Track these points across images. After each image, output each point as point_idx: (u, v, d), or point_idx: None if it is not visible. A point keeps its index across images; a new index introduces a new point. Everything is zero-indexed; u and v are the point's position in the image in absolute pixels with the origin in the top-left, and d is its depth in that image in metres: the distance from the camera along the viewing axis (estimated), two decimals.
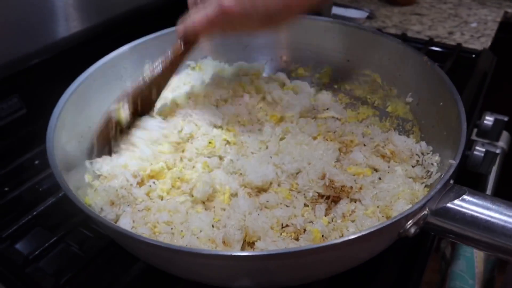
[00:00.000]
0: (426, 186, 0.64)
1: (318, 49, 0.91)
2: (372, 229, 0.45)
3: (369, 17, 1.37)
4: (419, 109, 0.76)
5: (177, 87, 0.86)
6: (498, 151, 0.92)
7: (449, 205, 0.49)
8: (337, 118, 0.82)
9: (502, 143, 1.02)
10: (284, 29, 0.65)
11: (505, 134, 1.03)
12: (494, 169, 1.01)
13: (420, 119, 0.75)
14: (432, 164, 0.65)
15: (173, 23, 0.86)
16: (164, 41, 0.84)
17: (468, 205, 0.48)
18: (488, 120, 0.98)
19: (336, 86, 0.91)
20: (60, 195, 0.73)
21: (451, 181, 0.52)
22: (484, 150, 0.91)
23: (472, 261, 0.85)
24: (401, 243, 0.56)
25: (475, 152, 0.91)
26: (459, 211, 0.48)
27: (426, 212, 0.49)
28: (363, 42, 0.84)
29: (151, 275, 0.61)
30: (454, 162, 0.53)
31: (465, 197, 0.49)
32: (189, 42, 0.71)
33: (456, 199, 0.49)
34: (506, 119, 0.98)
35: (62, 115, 0.65)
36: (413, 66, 0.77)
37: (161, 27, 0.86)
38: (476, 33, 1.27)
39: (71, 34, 0.89)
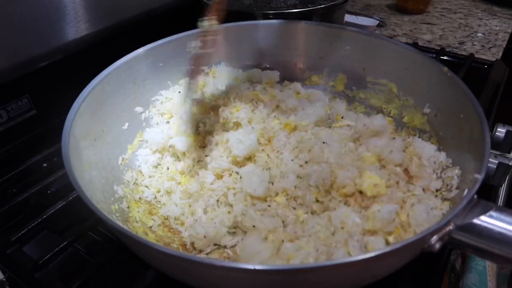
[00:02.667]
0: (445, 200, 0.63)
1: (332, 57, 0.90)
2: (397, 246, 0.43)
3: (379, 25, 1.36)
4: (437, 120, 0.75)
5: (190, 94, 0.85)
6: (511, 163, 0.91)
7: (475, 221, 0.47)
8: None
9: None
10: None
11: None
12: (506, 181, 1.00)
13: (438, 131, 0.74)
14: (452, 177, 0.64)
15: (184, 27, 0.86)
16: (179, 45, 0.83)
17: (496, 221, 0.47)
18: (500, 132, 0.97)
19: (350, 95, 0.90)
20: (70, 198, 0.71)
21: (475, 196, 0.51)
22: (496, 162, 0.90)
23: (485, 275, 0.83)
24: (417, 260, 0.54)
25: (488, 164, 0.89)
26: (486, 228, 0.47)
27: (451, 227, 0.47)
28: (380, 51, 0.83)
29: (163, 283, 0.59)
30: (479, 177, 0.51)
31: (492, 213, 0.47)
32: None
33: (482, 214, 0.47)
34: None
35: (77, 118, 0.64)
36: (431, 76, 0.75)
37: (172, 31, 0.85)
38: (487, 43, 1.26)
39: (81, 36, 0.88)
